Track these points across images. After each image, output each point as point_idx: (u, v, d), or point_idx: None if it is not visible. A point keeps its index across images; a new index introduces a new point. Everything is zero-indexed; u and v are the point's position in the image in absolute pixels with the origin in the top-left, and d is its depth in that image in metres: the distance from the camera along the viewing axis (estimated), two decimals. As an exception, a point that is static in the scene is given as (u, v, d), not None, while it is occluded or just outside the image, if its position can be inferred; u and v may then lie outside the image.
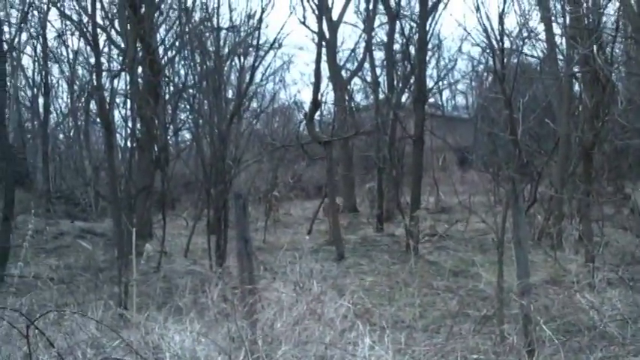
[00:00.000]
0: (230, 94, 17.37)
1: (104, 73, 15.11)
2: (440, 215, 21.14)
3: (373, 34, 24.60)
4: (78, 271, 11.84)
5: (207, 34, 16.08)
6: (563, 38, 16.08)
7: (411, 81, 20.99)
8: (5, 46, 16.97)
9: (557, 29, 16.55)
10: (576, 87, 16.44)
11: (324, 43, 21.13)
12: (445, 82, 31.46)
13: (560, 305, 8.14)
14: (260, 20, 15.94)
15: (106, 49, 18.56)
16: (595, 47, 12.39)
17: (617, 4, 13.42)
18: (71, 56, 23.59)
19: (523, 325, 6.86)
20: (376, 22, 24.64)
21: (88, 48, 19.08)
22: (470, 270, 12.61)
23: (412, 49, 20.21)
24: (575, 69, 14.79)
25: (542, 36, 17.09)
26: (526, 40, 15.80)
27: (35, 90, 26.29)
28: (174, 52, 18.83)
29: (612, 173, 19.00)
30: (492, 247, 11.24)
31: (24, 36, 23.87)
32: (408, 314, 8.64)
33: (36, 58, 24.92)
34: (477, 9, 12.47)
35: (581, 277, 9.90)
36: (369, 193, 23.07)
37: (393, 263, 13.37)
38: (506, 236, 8.05)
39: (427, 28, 18.70)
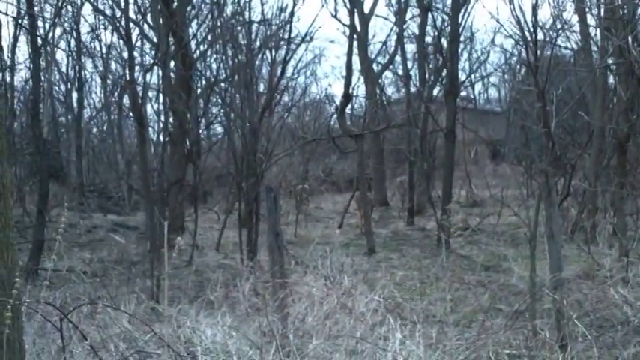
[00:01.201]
0: (261, 87, 17.40)
1: (137, 68, 15.19)
2: (472, 209, 21.06)
3: (405, 26, 24.53)
4: (111, 264, 11.93)
5: (239, 28, 16.09)
6: (598, 29, 15.88)
7: (443, 74, 20.86)
8: (39, 41, 17.13)
9: (591, 20, 16.35)
10: (610, 79, 16.24)
11: (355, 37, 21.12)
12: (477, 74, 31.23)
13: (593, 300, 8.06)
14: (292, 14, 15.92)
15: (138, 44, 18.67)
16: (630, 38, 12.22)
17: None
18: (104, 51, 23.85)
19: (555, 320, 6.81)
20: (408, 15, 24.52)
21: (121, 42, 19.30)
22: (502, 264, 12.54)
23: (444, 42, 20.07)
24: (610, 61, 14.60)
25: (576, 27, 16.90)
26: (560, 32, 15.61)
27: (69, 85, 26.58)
28: (206, 46, 18.89)
29: (647, 166, 18.75)
30: (525, 241, 11.15)
31: (58, 31, 24.12)
32: (440, 309, 8.60)
33: (70, 53, 25.20)
34: (510, 0, 12.34)
35: (615, 271, 9.78)
36: (400, 187, 23.01)
37: (424, 257, 13.34)
38: (538, 230, 7.99)
39: (459, 20, 18.55)
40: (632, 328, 7.26)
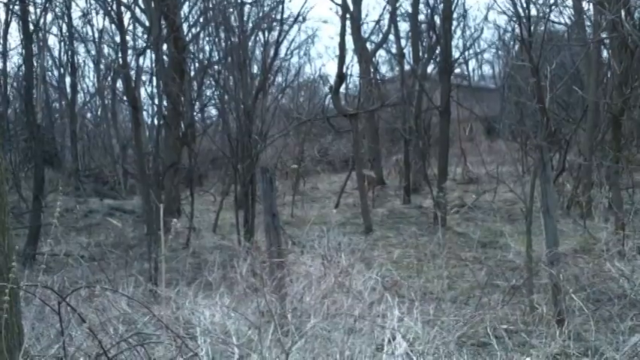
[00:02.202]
0: (255, 69, 17.35)
1: (129, 52, 15.15)
2: (468, 186, 21.08)
3: (398, 5, 24.39)
4: (108, 248, 11.93)
5: (231, 10, 16.02)
6: (591, 4, 15.83)
7: (437, 51, 20.80)
8: (31, 27, 17.05)
9: (584, -5, 16.32)
10: (604, 53, 16.21)
11: (348, 16, 21.01)
12: (471, 51, 31.14)
13: (589, 274, 8.08)
14: (284, -6, 15.89)
15: (130, 28, 18.59)
16: (623, 12, 12.18)
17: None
18: (97, 35, 23.74)
19: (552, 295, 6.84)
20: (400, -7, 24.44)
21: (113, 26, 19.23)
22: (498, 240, 12.57)
23: (437, 20, 20.00)
24: (603, 35, 14.57)
25: (570, 2, 16.87)
26: (553, 7, 15.57)
27: (62, 70, 26.44)
28: (198, 28, 18.82)
29: (642, 140, 18.76)
30: (521, 217, 11.18)
31: (49, 16, 23.97)
32: (437, 286, 8.63)
33: (62, 38, 25.05)
34: (503, -24, 12.31)
35: (611, 245, 9.79)
36: (396, 166, 23.00)
37: (421, 235, 13.36)
38: (534, 206, 8.01)
39: (452, -3, 18.47)
40: (629, 302, 7.28)
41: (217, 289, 7.42)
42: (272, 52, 16.24)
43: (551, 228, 7.07)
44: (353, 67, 33.94)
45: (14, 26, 24.46)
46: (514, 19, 14.46)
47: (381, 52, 28.96)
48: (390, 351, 5.30)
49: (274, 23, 16.83)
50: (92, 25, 23.79)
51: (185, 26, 18.41)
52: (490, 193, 17.73)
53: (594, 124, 15.24)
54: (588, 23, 16.37)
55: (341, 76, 18.56)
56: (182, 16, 18.32)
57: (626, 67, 13.13)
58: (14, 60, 42.42)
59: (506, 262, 10.12)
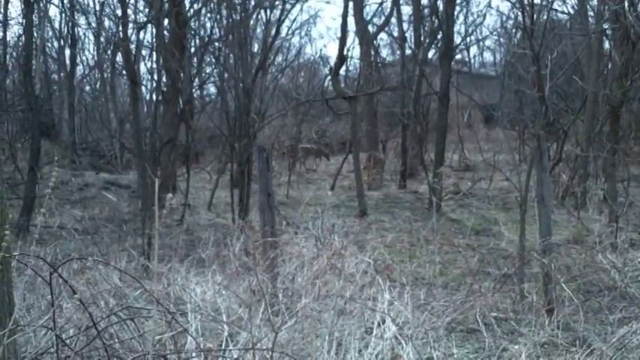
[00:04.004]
0: (255, 47, 17.30)
1: (130, 25, 15.07)
2: (464, 173, 21.09)
3: (401, -12, 24.29)
4: (102, 222, 11.93)
5: (233, -14, 15.94)
6: (594, -6, 15.83)
7: (439, 37, 20.74)
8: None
9: (588, -15, 16.30)
10: (606, 44, 16.20)
11: (350, -3, 20.90)
12: (473, 38, 31.08)
13: (581, 265, 8.12)
14: (287, -27, 15.82)
15: (132, 1, 18.50)
16: (626, 3, 12.15)
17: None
18: (98, 8, 23.61)
19: (543, 284, 6.86)
20: (404, -24, 24.31)
21: (115, -1, 19.10)
22: (492, 228, 12.60)
23: (440, 4, 19.91)
24: (606, 26, 14.54)
25: (573, -8, 16.83)
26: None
27: (62, 42, 26.33)
28: (200, 4, 18.73)
29: (640, 132, 18.80)
30: (515, 205, 11.19)
31: (51, -13, 23.81)
32: (429, 271, 8.66)
33: (63, 10, 24.91)
34: (507, -36, 12.26)
35: (604, 237, 9.84)
36: (395, 150, 22.99)
37: (415, 220, 13.36)
38: (529, 195, 8.02)
39: (456, -18, 18.42)
40: (619, 294, 7.32)
41: (210, 267, 7.45)
42: (273, 31, 16.21)
43: (545, 218, 7.08)
44: (354, 49, 33.81)
45: (15, -4, 24.28)
46: (517, 6, 14.40)
47: (383, 36, 28.89)
48: (379, 334, 5.33)
49: (276, 2, 16.77)
50: (93, -2, 23.53)
51: (187, 1, 18.32)
52: (486, 181, 17.75)
53: (593, 115, 15.23)
54: (591, 13, 16.35)
55: (341, 58, 18.50)
56: (184, -9, 18.23)
57: (627, 59, 13.11)
58: (14, 30, 42.18)
59: (498, 250, 10.14)
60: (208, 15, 18.41)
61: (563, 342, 5.77)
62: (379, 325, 5.48)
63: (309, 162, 24.38)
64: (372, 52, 23.00)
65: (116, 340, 4.77)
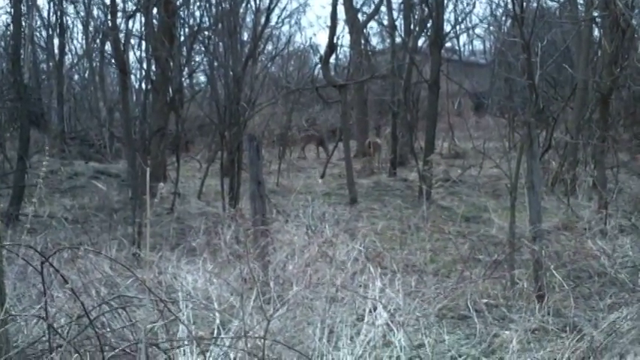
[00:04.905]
0: (245, 36, 17.23)
1: (119, 14, 15.01)
2: (454, 160, 21.13)
3: (390, -24, 24.23)
4: (92, 211, 11.91)
5: (223, -26, 15.86)
6: (584, -19, 15.82)
7: (428, 25, 20.71)
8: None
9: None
10: (595, 32, 16.22)
11: (340, -15, 20.86)
12: (463, 26, 31.05)
13: (571, 251, 8.13)
14: (276, -40, 15.75)
15: (121, -10, 18.37)
16: (616, -9, 12.17)
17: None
18: (86, -3, 23.42)
19: (534, 271, 6.89)
20: (394, -36, 24.23)
21: (103, -12, 18.95)
22: (482, 215, 12.62)
23: (430, -8, 19.87)
24: (595, 13, 14.55)
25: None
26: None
27: (50, 30, 26.14)
28: (189, -8, 18.64)
29: (629, 120, 18.82)
30: (505, 192, 11.23)
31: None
32: (419, 258, 8.66)
33: (51, -2, 24.76)
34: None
35: (594, 223, 9.88)
36: (386, 138, 23.02)
37: (405, 208, 13.39)
38: (520, 182, 8.03)
39: (445, -30, 18.39)
40: (608, 280, 7.35)
41: (201, 255, 7.43)
42: (263, 20, 16.15)
43: (535, 204, 7.10)
44: (344, 37, 33.74)
45: (3, -16, 24.13)
46: (507, -6, 14.41)
47: (373, 24, 28.79)
48: (370, 321, 5.34)
49: (266, -10, 16.71)
50: (82, -14, 23.32)
51: (176, -10, 18.23)
52: (476, 168, 17.78)
53: (582, 102, 15.27)
54: (581, 1, 16.37)
55: (331, 46, 18.48)
56: (173, -21, 18.13)
57: (617, 46, 13.13)
58: (2, 19, 41.88)
59: (489, 236, 10.16)
60: (198, 3, 18.32)
61: (553, 328, 5.80)
62: (370, 312, 5.50)
63: (308, 149, 24.54)
64: (362, 41, 22.98)
65: (108, 329, 4.77)
